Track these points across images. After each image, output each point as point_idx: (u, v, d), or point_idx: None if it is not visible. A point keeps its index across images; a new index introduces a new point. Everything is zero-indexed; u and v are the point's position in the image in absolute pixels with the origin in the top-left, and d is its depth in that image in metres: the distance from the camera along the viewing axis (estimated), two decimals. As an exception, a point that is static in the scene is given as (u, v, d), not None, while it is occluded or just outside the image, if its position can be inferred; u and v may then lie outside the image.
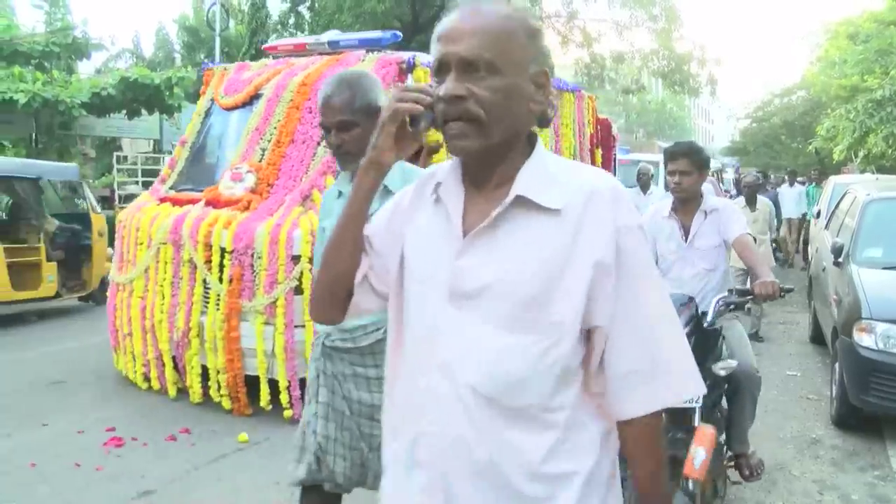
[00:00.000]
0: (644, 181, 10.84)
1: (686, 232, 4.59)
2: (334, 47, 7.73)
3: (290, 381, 6.10)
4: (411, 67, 6.93)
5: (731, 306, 4.23)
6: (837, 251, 7.32)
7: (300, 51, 8.14)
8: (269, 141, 6.99)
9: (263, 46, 8.97)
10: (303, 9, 23.22)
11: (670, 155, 4.59)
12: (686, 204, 4.60)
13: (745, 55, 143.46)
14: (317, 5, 22.22)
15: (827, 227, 10.26)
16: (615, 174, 12.13)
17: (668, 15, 26.73)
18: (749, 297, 4.22)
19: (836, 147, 18.57)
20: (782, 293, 4.11)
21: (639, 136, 52.54)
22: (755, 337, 9.19)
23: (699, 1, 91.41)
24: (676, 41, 27.51)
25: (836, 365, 6.56)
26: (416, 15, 22.21)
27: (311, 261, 5.65)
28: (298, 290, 6.02)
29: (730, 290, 4.39)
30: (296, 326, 6.05)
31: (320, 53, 7.76)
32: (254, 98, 7.49)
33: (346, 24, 17.97)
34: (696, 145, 4.69)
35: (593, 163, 10.59)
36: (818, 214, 12.70)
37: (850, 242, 7.40)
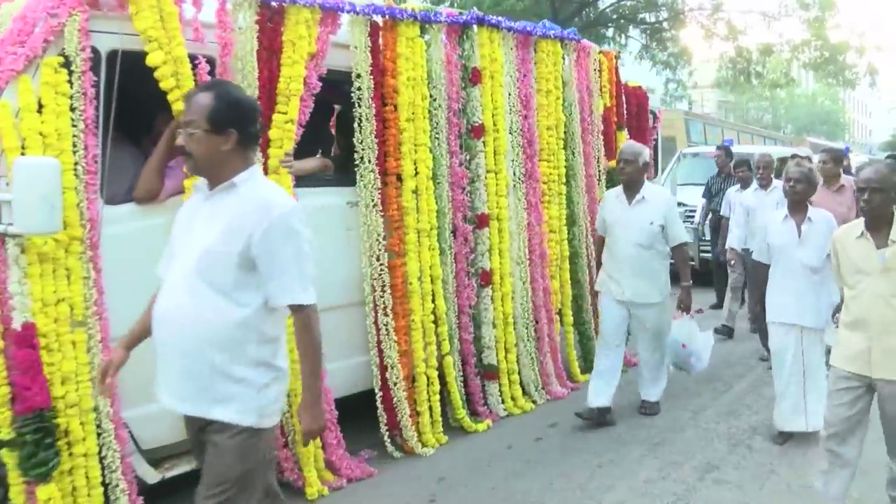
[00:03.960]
0: (764, 174, 7.59)
1: None
2: None
3: None
4: None
5: None
6: None
7: None
8: None
9: None
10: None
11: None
12: None
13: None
14: (455, 4, 19.80)
15: None
16: (658, 168, 8.69)
17: (822, 2, 22.56)
18: None
19: None
20: None
21: (787, 132, 46.45)
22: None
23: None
24: (831, 30, 23.68)
25: None
26: (555, 12, 19.71)
27: None
28: None
29: None
30: None
31: None
32: None
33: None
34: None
35: (611, 151, 6.84)
36: None
37: None
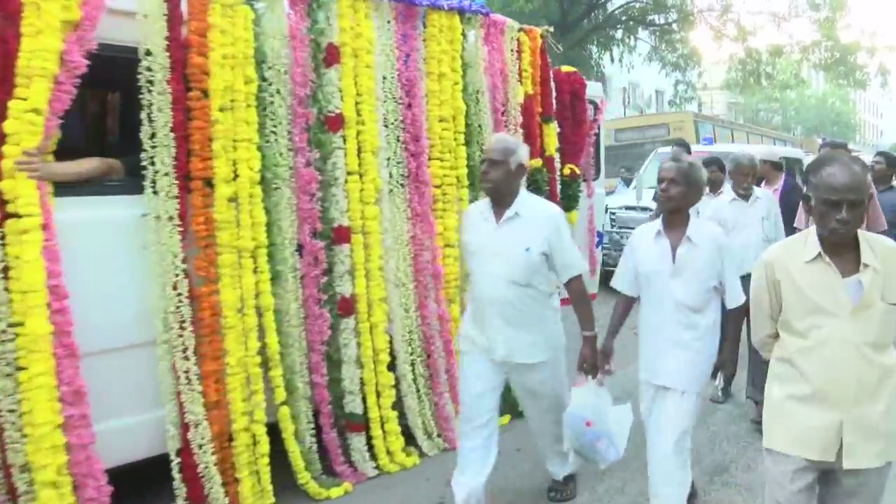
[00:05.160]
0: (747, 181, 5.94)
1: None
2: None
3: None
4: None
5: None
6: None
7: None
8: None
9: None
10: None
11: None
12: None
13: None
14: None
15: None
16: (598, 168, 7.14)
17: (833, 2, 21.35)
18: None
19: None
20: None
21: (797, 133, 44.19)
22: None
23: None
24: (841, 30, 22.82)
25: None
26: (564, 14, 18.93)
27: None
28: None
29: None
30: None
31: None
32: None
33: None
34: None
35: (534, 147, 5.30)
36: None
37: None
